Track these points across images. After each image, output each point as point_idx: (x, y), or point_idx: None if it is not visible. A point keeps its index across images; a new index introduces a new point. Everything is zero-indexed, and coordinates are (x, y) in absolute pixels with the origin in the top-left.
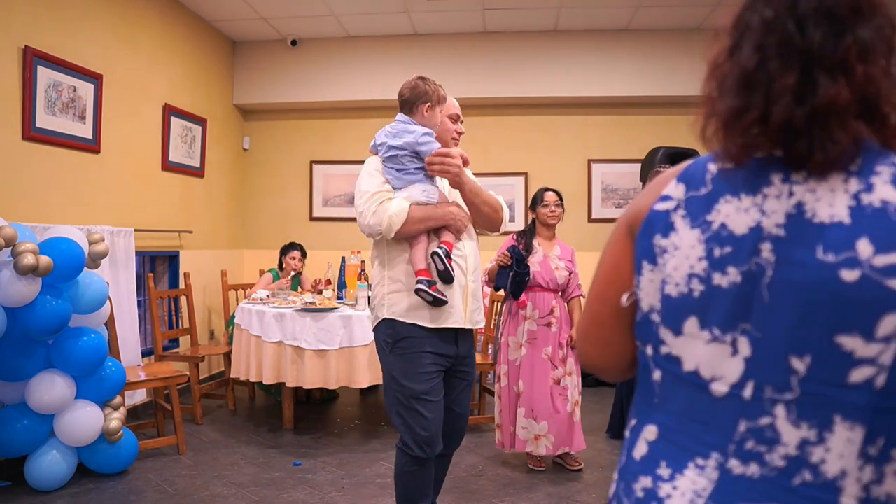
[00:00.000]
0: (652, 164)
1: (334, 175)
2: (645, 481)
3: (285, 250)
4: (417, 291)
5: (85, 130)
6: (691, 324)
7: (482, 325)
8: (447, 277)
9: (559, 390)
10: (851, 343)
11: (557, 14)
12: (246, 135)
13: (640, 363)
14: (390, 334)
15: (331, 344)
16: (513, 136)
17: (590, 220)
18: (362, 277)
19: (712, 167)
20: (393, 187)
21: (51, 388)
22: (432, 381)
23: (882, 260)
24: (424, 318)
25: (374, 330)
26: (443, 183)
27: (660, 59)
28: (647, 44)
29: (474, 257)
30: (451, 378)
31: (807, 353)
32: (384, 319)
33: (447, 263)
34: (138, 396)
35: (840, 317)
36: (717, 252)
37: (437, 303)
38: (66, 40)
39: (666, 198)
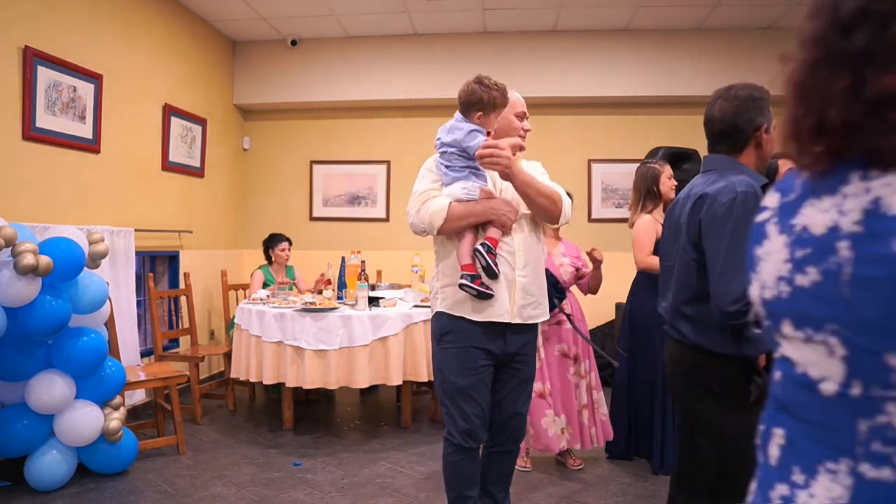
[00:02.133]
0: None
1: (334, 175)
2: (782, 489)
3: (271, 243)
4: (461, 286)
5: (85, 130)
6: (787, 325)
7: (540, 319)
8: (491, 273)
9: (577, 385)
10: None
11: (557, 14)
12: (246, 135)
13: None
14: (439, 327)
15: (330, 344)
16: None
17: (590, 220)
18: (362, 277)
19: (804, 172)
20: (443, 184)
21: (51, 388)
22: (476, 377)
23: None
24: (470, 311)
25: (431, 321)
26: (492, 178)
27: (660, 59)
28: (647, 44)
29: (526, 251)
30: (501, 374)
31: None
32: (436, 312)
33: (489, 259)
34: (138, 396)
35: None
36: (798, 254)
37: (483, 297)
38: (66, 40)
39: (763, 209)
